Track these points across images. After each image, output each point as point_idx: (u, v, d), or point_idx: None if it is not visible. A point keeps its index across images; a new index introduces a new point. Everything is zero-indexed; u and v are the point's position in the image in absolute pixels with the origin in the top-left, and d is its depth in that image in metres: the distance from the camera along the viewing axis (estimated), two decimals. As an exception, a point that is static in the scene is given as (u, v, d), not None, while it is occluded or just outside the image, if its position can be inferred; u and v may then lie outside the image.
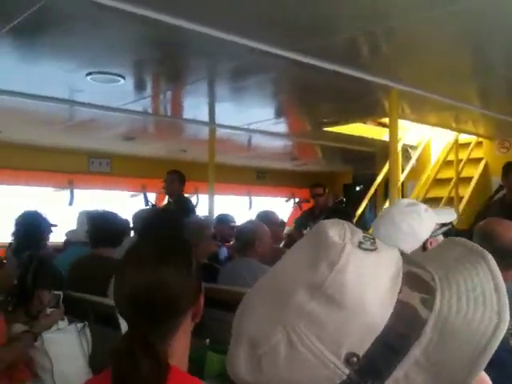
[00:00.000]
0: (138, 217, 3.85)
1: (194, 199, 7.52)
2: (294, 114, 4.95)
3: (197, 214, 5.31)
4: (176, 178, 5.11)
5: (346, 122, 4.96)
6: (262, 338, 0.47)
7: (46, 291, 2.45)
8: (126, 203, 6.83)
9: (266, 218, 3.99)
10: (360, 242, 0.49)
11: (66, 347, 2.30)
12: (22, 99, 3.74)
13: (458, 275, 0.50)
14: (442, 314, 0.47)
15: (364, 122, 5.49)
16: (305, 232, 5.36)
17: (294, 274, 0.49)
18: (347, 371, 0.46)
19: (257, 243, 3.20)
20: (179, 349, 1.10)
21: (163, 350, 1.03)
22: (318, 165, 7.85)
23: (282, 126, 5.30)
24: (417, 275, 0.50)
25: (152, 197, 7.19)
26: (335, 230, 0.50)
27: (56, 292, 2.39)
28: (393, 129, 3.68)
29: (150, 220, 3.10)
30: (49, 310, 2.34)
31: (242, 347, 0.49)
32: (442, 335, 0.46)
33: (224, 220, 5.15)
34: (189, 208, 5.07)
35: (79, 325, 2.42)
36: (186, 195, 5.52)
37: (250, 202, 8.06)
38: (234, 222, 5.73)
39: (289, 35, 2.67)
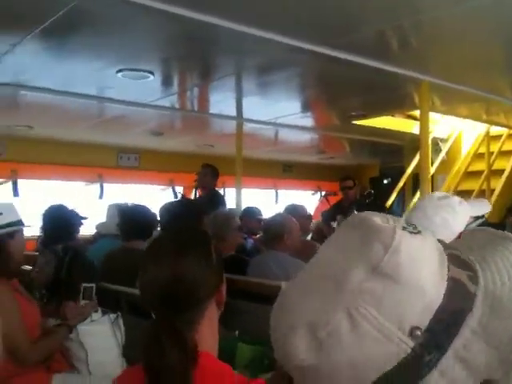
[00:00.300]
0: (163, 210, 3.89)
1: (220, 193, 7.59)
2: (321, 107, 4.93)
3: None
4: (209, 172, 5.16)
5: (375, 115, 4.92)
6: (321, 321, 0.48)
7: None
8: (156, 197, 6.92)
9: (295, 210, 4.00)
10: (403, 227, 0.51)
11: (100, 338, 2.37)
12: (54, 96, 3.82)
13: (492, 255, 0.52)
14: (488, 288, 0.49)
15: (392, 115, 5.44)
16: (333, 225, 5.35)
17: (345, 258, 0.50)
18: (412, 344, 0.47)
19: (286, 236, 3.21)
20: (207, 336, 1.14)
21: (190, 336, 1.06)
22: (345, 158, 7.81)
23: (309, 120, 5.29)
24: (457, 255, 0.52)
25: (180, 191, 7.28)
26: (378, 218, 0.52)
27: (89, 284, 2.42)
28: (423, 121, 3.63)
29: (173, 212, 3.12)
30: (83, 302, 2.37)
31: (299, 335, 0.50)
32: (492, 307, 0.49)
33: (251, 213, 5.17)
34: (220, 202, 5.08)
35: (112, 316, 2.48)
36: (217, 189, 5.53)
37: (277, 196, 8.07)
38: (261, 215, 5.75)
39: (317, 29, 2.66)
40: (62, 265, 2.85)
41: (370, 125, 5.20)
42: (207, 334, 1.14)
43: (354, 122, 5.00)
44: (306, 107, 4.73)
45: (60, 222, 3.03)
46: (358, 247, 0.50)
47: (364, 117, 4.85)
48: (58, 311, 2.49)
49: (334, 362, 0.49)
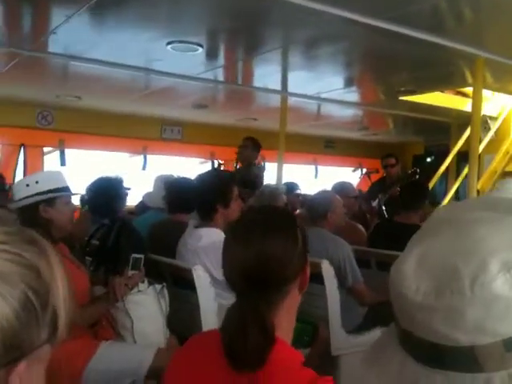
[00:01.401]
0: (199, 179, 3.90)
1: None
2: (368, 83, 4.83)
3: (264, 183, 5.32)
4: (250, 145, 5.08)
5: (425, 91, 4.79)
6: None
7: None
8: (196, 169, 6.99)
9: (342, 189, 3.96)
10: None
11: (145, 308, 2.43)
12: (103, 67, 3.86)
13: None
14: None
15: (442, 91, 5.28)
16: (374, 203, 5.29)
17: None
18: None
19: (329, 214, 3.21)
20: (284, 321, 1.15)
21: (271, 321, 1.08)
22: (388, 135, 7.66)
23: (353, 95, 5.19)
24: None
25: (219, 161, 7.32)
26: None
27: (139, 255, 2.45)
28: (476, 99, 3.52)
29: (206, 182, 3.10)
30: (130, 273, 2.41)
31: (491, 270, 0.53)
32: None
33: (290, 188, 5.17)
34: (257, 176, 5.01)
35: (158, 286, 2.53)
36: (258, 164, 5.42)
37: (316, 171, 8.02)
38: (299, 190, 5.74)
39: (370, 1, 2.59)
40: (110, 234, 2.92)
41: (417, 101, 5.07)
42: (285, 318, 1.15)
43: (401, 97, 4.88)
44: (351, 82, 4.64)
45: (108, 193, 3.10)
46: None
47: (413, 93, 4.72)
48: (105, 279, 2.56)
49: None
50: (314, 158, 7.90)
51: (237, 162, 5.53)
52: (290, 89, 4.74)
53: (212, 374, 1.13)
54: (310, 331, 2.84)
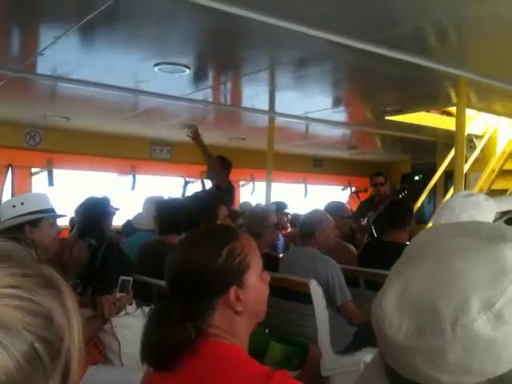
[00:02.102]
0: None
1: (249, 186, 7.60)
2: (354, 102, 4.88)
3: (249, 202, 5.26)
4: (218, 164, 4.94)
5: (411, 110, 4.86)
6: (493, 294, 0.52)
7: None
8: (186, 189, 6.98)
9: (335, 209, 3.96)
10: None
11: (133, 331, 2.40)
12: (91, 88, 3.87)
13: None
14: None
15: (427, 111, 5.35)
16: (363, 222, 5.30)
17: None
18: None
19: (317, 233, 3.21)
20: (222, 334, 1.16)
21: (181, 325, 1.12)
22: (376, 154, 7.72)
23: (341, 115, 5.25)
24: None
25: (209, 184, 7.32)
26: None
27: (127, 277, 2.42)
28: (460, 118, 3.57)
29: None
30: (119, 295, 2.38)
31: (472, 310, 0.53)
32: None
33: (279, 207, 5.18)
34: (228, 196, 4.72)
35: (146, 309, 2.51)
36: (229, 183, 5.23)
37: (306, 190, 8.05)
38: (288, 208, 5.74)
39: (354, 24, 2.63)
40: (97, 255, 2.91)
41: (404, 120, 5.13)
42: (224, 333, 1.16)
43: (388, 117, 4.94)
44: (338, 102, 4.69)
45: (95, 213, 3.09)
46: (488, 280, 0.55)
47: (399, 112, 4.78)
48: (92, 301, 2.53)
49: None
50: (303, 176, 7.94)
51: (203, 181, 5.42)
52: (278, 109, 4.78)
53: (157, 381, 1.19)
54: (301, 354, 2.83)
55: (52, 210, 2.44)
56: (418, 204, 6.16)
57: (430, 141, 6.21)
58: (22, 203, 2.34)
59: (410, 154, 7.66)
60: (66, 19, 2.59)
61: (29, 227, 2.32)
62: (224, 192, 4.66)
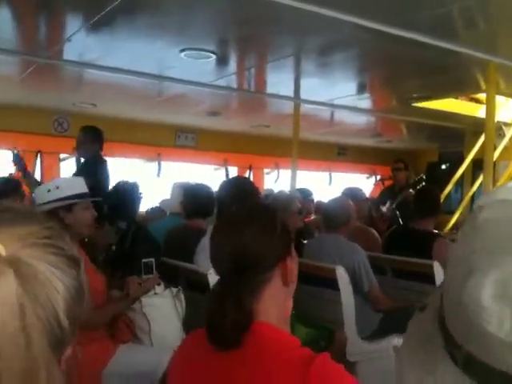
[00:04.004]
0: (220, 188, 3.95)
1: (273, 174, 7.60)
2: (380, 89, 4.83)
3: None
4: (89, 137, 4.32)
5: (438, 97, 4.78)
6: None
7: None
8: (210, 176, 7.03)
9: (352, 194, 3.97)
10: None
11: (162, 311, 2.46)
12: (118, 75, 3.91)
13: None
14: None
15: (456, 98, 5.25)
16: (383, 209, 5.27)
17: None
18: None
19: (344, 220, 3.21)
20: (269, 308, 1.18)
21: (251, 306, 1.14)
22: (402, 142, 7.63)
23: (366, 102, 5.19)
24: None
25: (234, 171, 7.35)
26: None
27: (148, 259, 2.47)
28: (490, 105, 3.50)
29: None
30: (145, 277, 2.45)
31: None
32: None
33: (304, 194, 5.17)
34: (99, 171, 4.14)
35: (174, 289, 2.56)
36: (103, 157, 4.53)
37: (330, 178, 8.03)
38: (312, 195, 5.74)
39: (382, 7, 2.60)
40: (126, 239, 2.96)
41: (431, 107, 5.05)
42: (269, 305, 1.19)
43: (414, 104, 4.87)
44: (363, 88, 4.65)
45: (125, 198, 3.14)
46: None
47: (426, 99, 4.71)
48: (122, 283, 2.59)
49: None
50: (327, 165, 7.91)
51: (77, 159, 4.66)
52: (303, 95, 4.76)
53: (205, 362, 1.19)
54: (326, 336, 2.84)
55: (87, 195, 2.47)
56: (445, 193, 6.07)
57: (457, 128, 6.10)
58: (57, 187, 2.37)
59: (436, 142, 7.54)
60: (92, 6, 2.62)
61: (63, 211, 2.36)
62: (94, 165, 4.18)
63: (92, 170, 3.98)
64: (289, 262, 1.22)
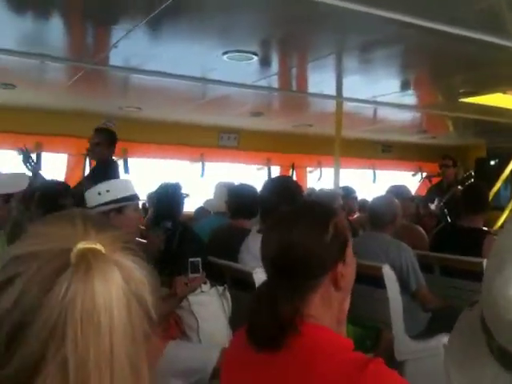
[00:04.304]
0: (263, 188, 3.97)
1: (316, 173, 7.56)
2: (425, 85, 4.73)
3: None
4: (103, 139, 4.28)
5: (485, 92, 4.64)
6: None
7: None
8: (252, 176, 7.08)
9: (398, 192, 3.91)
10: None
11: (209, 308, 2.50)
12: (162, 78, 4.00)
13: None
14: None
15: (504, 92, 5.09)
16: (431, 206, 5.17)
17: None
18: None
19: (390, 218, 3.18)
20: (320, 313, 1.16)
21: (294, 304, 1.11)
22: (448, 138, 7.45)
23: (410, 98, 5.10)
24: None
25: (276, 170, 7.37)
26: None
27: (195, 259, 2.50)
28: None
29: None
30: (191, 276, 2.48)
31: None
32: None
33: (347, 192, 5.15)
34: (114, 175, 4.07)
35: (220, 288, 2.60)
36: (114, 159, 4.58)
37: (374, 176, 7.93)
38: (355, 193, 5.70)
39: (426, 3, 2.56)
40: (173, 239, 3.02)
41: (478, 102, 4.92)
42: (321, 308, 1.16)
43: (462, 99, 4.75)
44: (408, 85, 4.57)
45: (170, 198, 3.21)
46: None
47: (473, 94, 4.59)
48: (169, 282, 2.65)
49: None
50: (371, 162, 7.81)
51: (89, 160, 4.56)
52: (345, 93, 4.72)
53: (253, 363, 1.17)
54: (373, 336, 2.82)
55: (135, 197, 2.54)
56: (494, 190, 5.90)
57: (506, 123, 5.91)
58: (108, 190, 2.45)
59: (484, 137, 7.32)
60: (136, 12, 2.68)
61: (114, 213, 2.43)
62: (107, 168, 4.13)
63: (109, 173, 3.92)
64: (340, 267, 1.18)
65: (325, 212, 1.25)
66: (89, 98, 5.10)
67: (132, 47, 3.28)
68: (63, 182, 4.12)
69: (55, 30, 3.05)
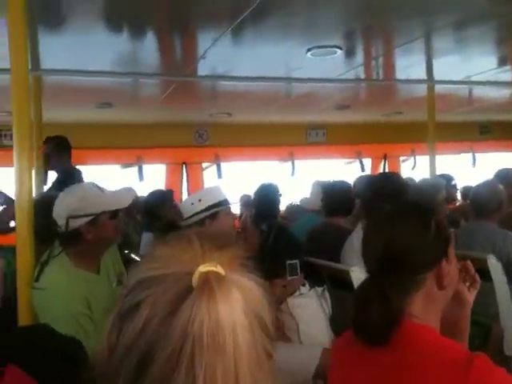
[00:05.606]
0: (361, 183, 3.92)
1: (410, 162, 7.30)
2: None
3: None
4: (53, 149, 3.82)
5: None
6: None
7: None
8: (341, 171, 7.00)
9: (507, 177, 3.66)
10: None
11: (309, 310, 2.48)
12: (247, 82, 4.09)
13: None
14: None
15: None
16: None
17: None
18: None
19: (494, 206, 3.01)
20: (421, 311, 1.15)
21: (398, 302, 1.12)
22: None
23: (508, 74, 4.78)
24: None
25: (368, 162, 7.22)
26: None
27: (293, 261, 2.49)
28: None
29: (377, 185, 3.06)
30: (289, 278, 2.47)
31: None
32: None
33: (447, 180, 4.91)
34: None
35: (319, 289, 2.59)
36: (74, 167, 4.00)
37: (474, 159, 7.52)
38: (454, 181, 5.42)
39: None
40: (268, 240, 3.05)
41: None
42: (424, 307, 1.16)
43: None
44: (504, 61, 4.28)
45: (268, 200, 3.26)
46: None
47: None
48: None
49: None
50: (469, 145, 7.42)
51: (46, 172, 3.85)
52: (436, 76, 4.53)
53: (357, 364, 1.19)
54: (482, 334, 2.68)
55: (226, 201, 2.62)
56: None
57: None
58: (200, 200, 2.55)
59: None
60: (221, 21, 2.76)
61: (208, 220, 2.53)
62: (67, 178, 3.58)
63: (67, 184, 3.14)
64: (444, 265, 1.17)
65: (427, 209, 1.26)
66: (181, 109, 5.33)
67: (219, 55, 3.38)
68: (165, 192, 4.35)
69: (149, 48, 3.23)
